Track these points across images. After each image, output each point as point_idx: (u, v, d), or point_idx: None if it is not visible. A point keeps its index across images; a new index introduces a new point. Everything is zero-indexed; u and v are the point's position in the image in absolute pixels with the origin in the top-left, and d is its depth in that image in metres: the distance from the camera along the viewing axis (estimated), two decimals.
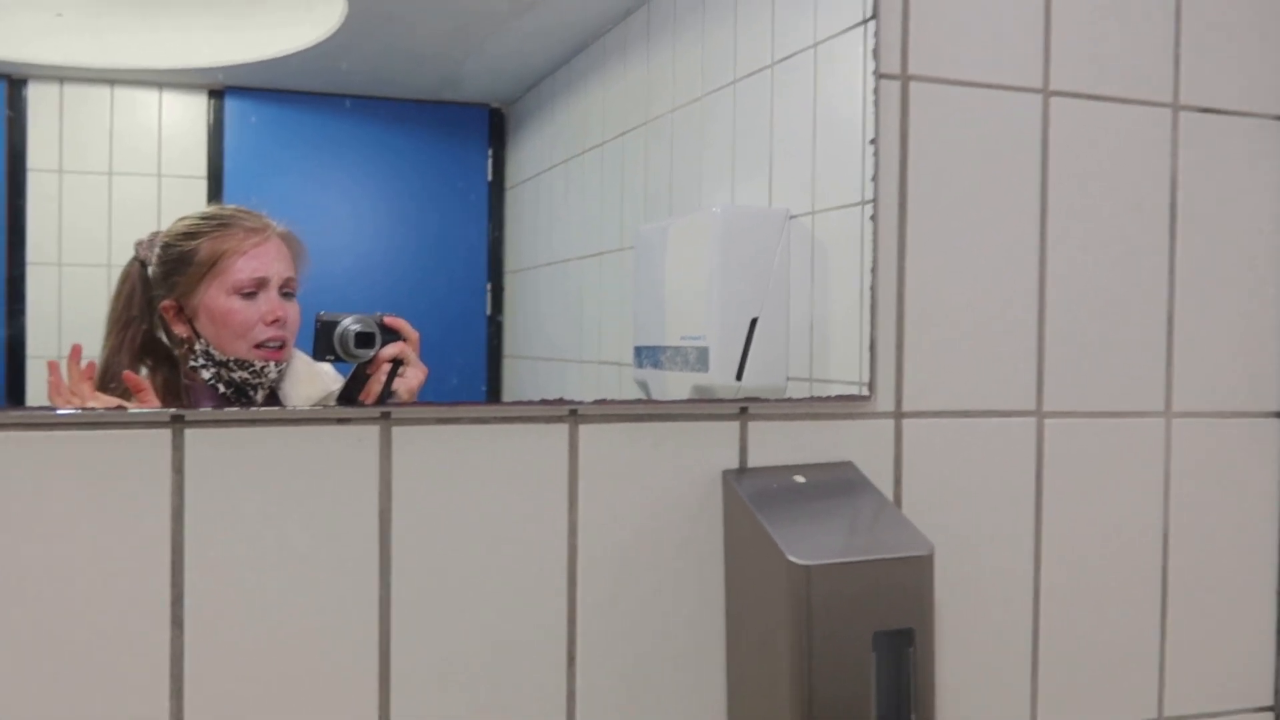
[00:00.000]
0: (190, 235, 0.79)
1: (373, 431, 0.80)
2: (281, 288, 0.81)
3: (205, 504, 0.77)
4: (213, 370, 0.80)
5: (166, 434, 0.76)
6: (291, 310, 0.82)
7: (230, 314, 0.80)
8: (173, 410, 0.77)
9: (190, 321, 0.80)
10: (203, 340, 0.79)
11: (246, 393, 0.81)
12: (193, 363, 0.80)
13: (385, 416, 0.81)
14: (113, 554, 0.75)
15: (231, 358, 0.80)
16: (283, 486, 0.78)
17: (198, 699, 0.76)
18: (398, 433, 0.81)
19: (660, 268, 0.94)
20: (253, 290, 0.80)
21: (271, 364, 0.81)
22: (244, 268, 0.80)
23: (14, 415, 0.73)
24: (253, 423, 0.78)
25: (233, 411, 0.78)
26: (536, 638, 0.84)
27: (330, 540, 0.79)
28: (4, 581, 0.73)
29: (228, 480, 0.77)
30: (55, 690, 0.74)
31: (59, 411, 0.74)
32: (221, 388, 0.80)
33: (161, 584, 0.76)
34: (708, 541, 0.88)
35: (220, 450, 0.77)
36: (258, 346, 0.80)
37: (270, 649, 0.78)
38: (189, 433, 0.76)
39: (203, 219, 0.80)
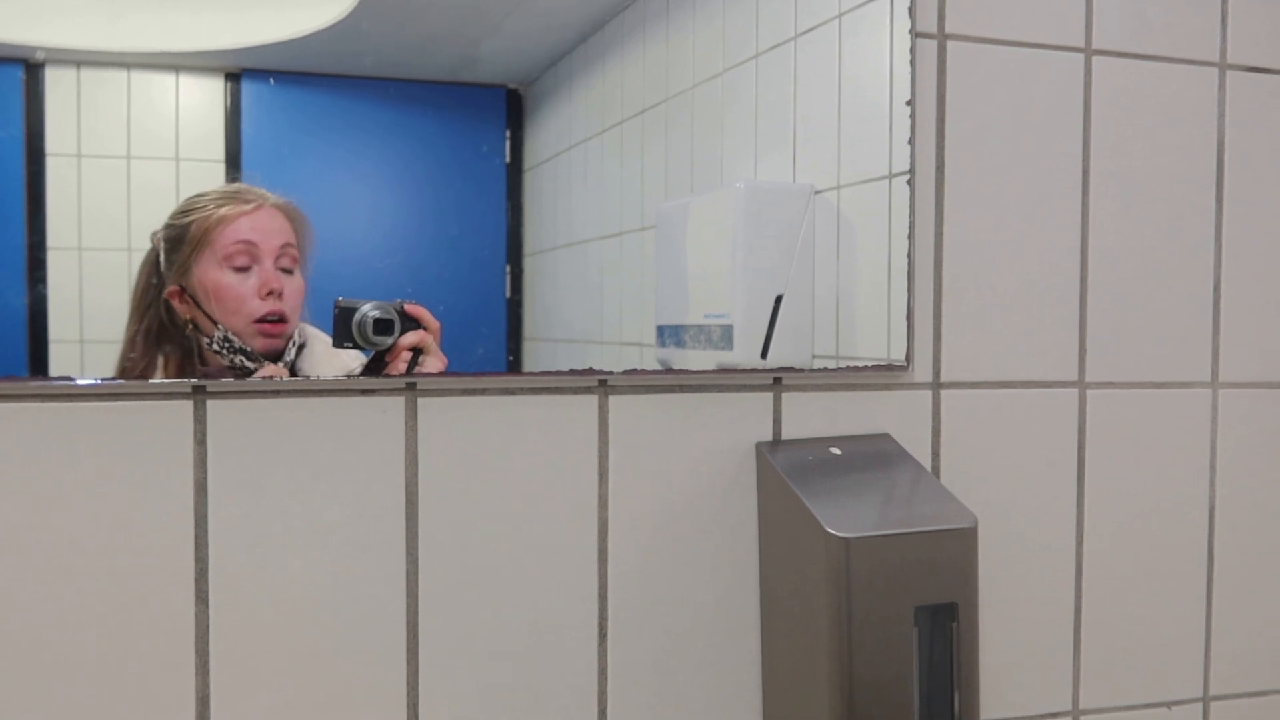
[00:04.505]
0: (184, 213, 0.78)
1: (398, 403, 0.79)
2: (278, 259, 0.80)
3: (228, 476, 0.75)
4: (229, 356, 0.79)
5: (188, 405, 0.75)
6: (290, 284, 0.80)
7: (222, 288, 0.78)
8: (194, 381, 0.75)
9: (195, 303, 0.78)
10: (221, 326, 0.78)
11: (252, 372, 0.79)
12: (212, 346, 0.78)
13: (410, 387, 0.79)
14: (135, 528, 0.74)
15: (239, 341, 0.79)
16: (306, 459, 0.77)
17: (224, 675, 0.75)
18: (423, 404, 0.79)
19: (682, 245, 0.92)
20: (245, 263, 0.79)
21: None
22: (230, 234, 0.78)
23: (32, 386, 0.73)
24: (275, 394, 0.76)
25: (254, 382, 0.77)
26: (567, 613, 0.82)
27: (355, 513, 0.78)
28: (24, 555, 0.72)
29: (251, 452, 0.76)
30: (80, 666, 0.73)
31: (79, 382, 0.72)
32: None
33: (185, 558, 0.75)
34: (741, 515, 0.86)
35: (242, 422, 0.76)
36: (257, 322, 0.79)
37: (296, 623, 0.77)
38: (211, 404, 0.75)
39: (197, 196, 0.79)
